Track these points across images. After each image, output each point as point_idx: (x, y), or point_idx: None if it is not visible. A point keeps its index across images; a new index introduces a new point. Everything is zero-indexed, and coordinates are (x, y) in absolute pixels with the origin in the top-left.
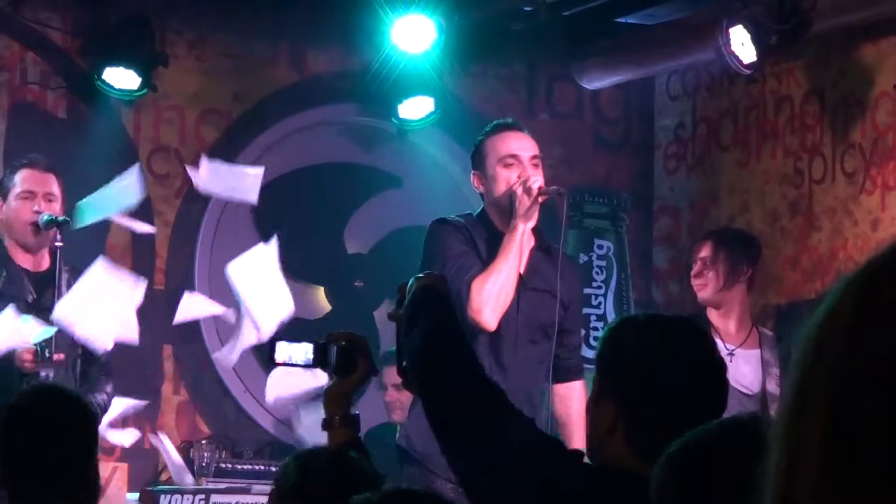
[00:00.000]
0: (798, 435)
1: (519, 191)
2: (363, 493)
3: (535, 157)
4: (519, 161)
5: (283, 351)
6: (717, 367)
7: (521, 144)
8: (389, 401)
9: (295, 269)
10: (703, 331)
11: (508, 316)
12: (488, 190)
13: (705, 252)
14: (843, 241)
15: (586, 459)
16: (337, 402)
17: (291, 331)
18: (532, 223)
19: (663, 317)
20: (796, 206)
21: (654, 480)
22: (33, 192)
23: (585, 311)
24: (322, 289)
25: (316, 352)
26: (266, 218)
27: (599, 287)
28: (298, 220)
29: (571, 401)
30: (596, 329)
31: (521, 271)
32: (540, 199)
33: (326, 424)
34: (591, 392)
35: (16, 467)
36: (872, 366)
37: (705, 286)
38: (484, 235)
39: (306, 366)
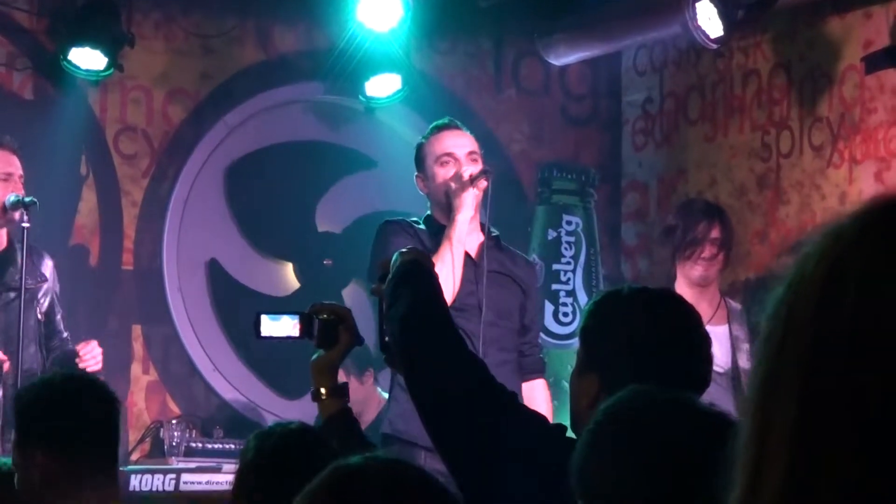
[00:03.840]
0: (768, 418)
1: (452, 184)
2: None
3: (472, 152)
4: (454, 158)
5: (267, 325)
6: (702, 341)
7: (456, 142)
8: None
9: (264, 245)
10: (687, 305)
11: (471, 301)
12: (430, 191)
13: (715, 233)
14: (811, 214)
15: (570, 433)
16: (323, 374)
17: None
18: (471, 213)
19: (648, 290)
20: (764, 180)
21: (574, 457)
22: None
23: (554, 286)
24: (291, 265)
25: (301, 324)
26: (234, 196)
27: (568, 263)
28: (267, 197)
29: (534, 401)
30: (565, 305)
31: (475, 257)
32: (474, 186)
33: (315, 396)
34: (575, 364)
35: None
36: (843, 349)
37: (714, 267)
38: (430, 236)
39: (292, 338)
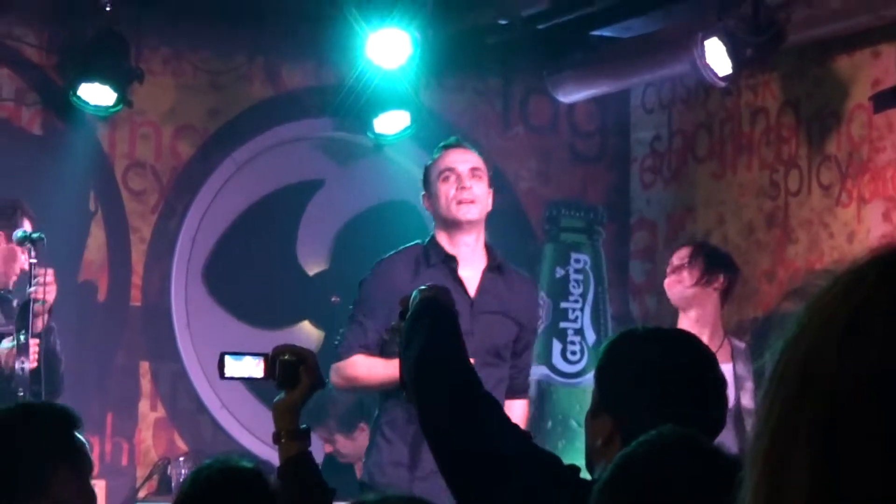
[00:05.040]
0: (783, 464)
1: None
2: None
3: (475, 168)
4: (455, 173)
5: (231, 365)
6: (717, 384)
7: (458, 158)
8: None
9: (273, 307)
10: (703, 346)
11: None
12: (433, 209)
13: (683, 253)
14: (819, 253)
15: (584, 474)
16: (284, 416)
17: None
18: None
19: (663, 331)
20: (772, 218)
21: (592, 502)
22: None
23: (562, 324)
24: (306, 322)
25: (264, 364)
26: (243, 234)
27: (577, 301)
28: (276, 242)
29: (511, 419)
30: (573, 343)
31: (472, 295)
32: None
33: (275, 438)
34: (590, 405)
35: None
36: (868, 396)
37: (678, 283)
38: (432, 261)
39: (256, 379)
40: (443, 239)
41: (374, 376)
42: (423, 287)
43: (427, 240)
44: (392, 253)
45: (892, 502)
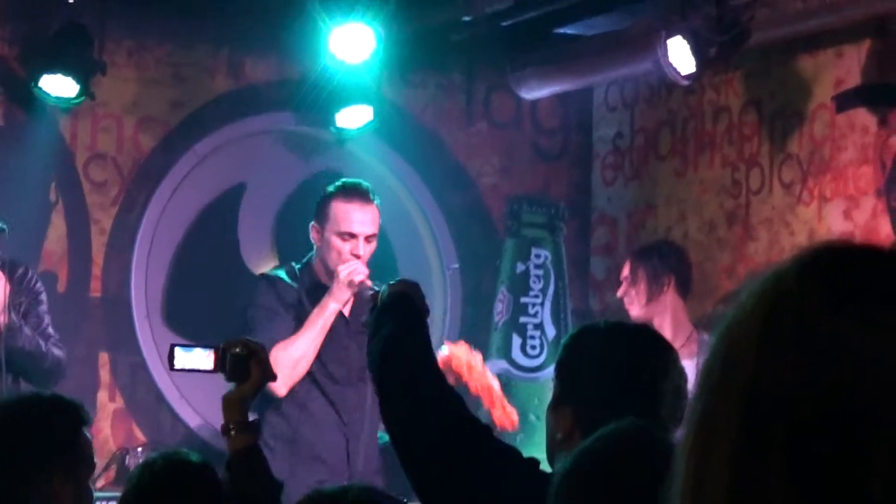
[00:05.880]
0: (705, 454)
1: (343, 274)
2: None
3: (371, 235)
4: (356, 239)
5: (181, 357)
6: (677, 377)
7: (363, 221)
8: None
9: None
10: (664, 340)
11: (342, 361)
12: (322, 250)
13: (625, 271)
14: (779, 250)
15: (543, 466)
16: (233, 409)
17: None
18: (339, 306)
19: (625, 324)
20: (734, 216)
21: (552, 494)
22: None
23: (522, 319)
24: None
25: (216, 357)
26: (204, 229)
27: (537, 296)
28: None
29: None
30: (533, 337)
31: (347, 315)
32: (353, 288)
33: (224, 430)
34: (551, 398)
35: None
36: (781, 388)
37: (632, 303)
38: (307, 286)
39: (206, 371)
40: (319, 271)
41: (307, 351)
42: (392, 282)
43: (304, 261)
44: (269, 273)
45: (798, 492)
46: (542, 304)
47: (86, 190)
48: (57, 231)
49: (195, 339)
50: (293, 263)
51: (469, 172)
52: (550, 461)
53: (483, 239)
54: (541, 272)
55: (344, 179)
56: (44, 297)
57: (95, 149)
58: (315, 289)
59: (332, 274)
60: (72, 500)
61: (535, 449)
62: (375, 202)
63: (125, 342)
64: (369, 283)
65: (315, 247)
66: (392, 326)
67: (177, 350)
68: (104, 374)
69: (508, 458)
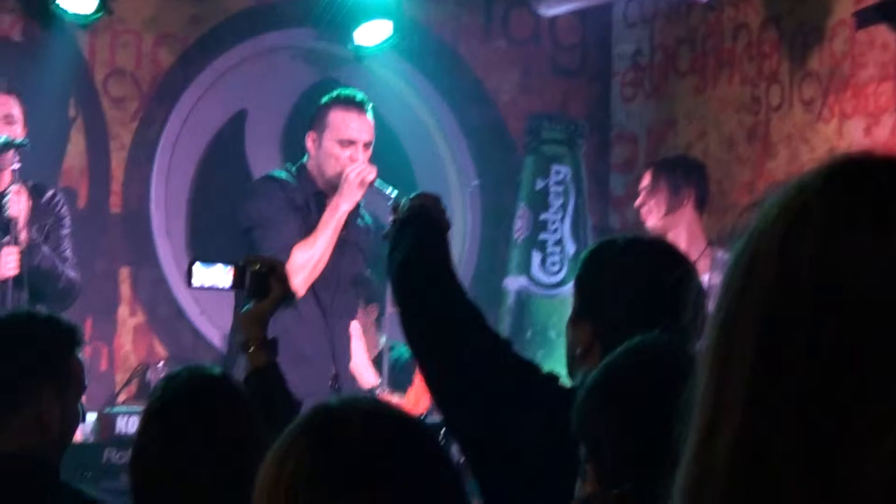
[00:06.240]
0: (725, 363)
1: (352, 176)
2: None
3: (368, 143)
4: (355, 145)
5: (200, 273)
6: (697, 290)
7: (361, 128)
8: None
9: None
10: (682, 254)
11: (335, 267)
12: (319, 158)
13: (646, 181)
14: (799, 167)
15: (563, 380)
16: (253, 325)
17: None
18: (350, 207)
19: (643, 239)
20: (753, 132)
21: (577, 408)
22: None
23: (542, 236)
24: None
25: (235, 274)
26: (223, 145)
27: (557, 212)
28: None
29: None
30: (553, 254)
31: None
32: (362, 187)
33: (244, 347)
34: (571, 312)
35: None
36: (800, 296)
37: (650, 213)
38: (306, 192)
39: (224, 289)
40: (317, 177)
41: (324, 253)
42: (412, 195)
43: (297, 166)
44: (272, 174)
45: (822, 401)
46: (561, 221)
47: (105, 106)
48: (77, 147)
49: (216, 256)
50: (288, 165)
51: (487, 89)
52: (570, 375)
53: (502, 156)
54: (560, 189)
55: (340, 89)
56: (67, 221)
57: (114, 64)
58: (316, 194)
59: (329, 182)
60: (59, 421)
61: (555, 365)
62: (370, 116)
63: (146, 258)
64: (381, 186)
65: (308, 156)
66: (413, 240)
67: (196, 266)
68: (125, 290)
69: (528, 372)
